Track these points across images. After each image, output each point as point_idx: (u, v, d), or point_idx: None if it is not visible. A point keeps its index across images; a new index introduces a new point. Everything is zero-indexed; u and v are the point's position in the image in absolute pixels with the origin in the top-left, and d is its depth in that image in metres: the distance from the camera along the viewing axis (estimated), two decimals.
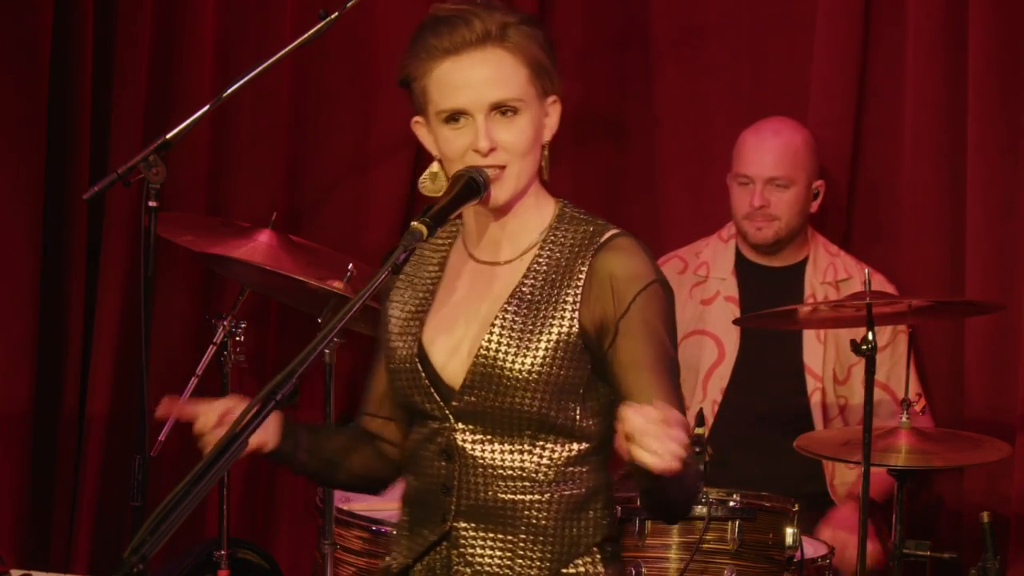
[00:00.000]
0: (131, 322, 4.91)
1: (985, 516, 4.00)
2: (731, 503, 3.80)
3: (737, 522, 3.78)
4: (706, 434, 3.96)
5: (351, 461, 2.89)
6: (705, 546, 3.77)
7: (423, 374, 2.74)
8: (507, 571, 2.70)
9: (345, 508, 4.05)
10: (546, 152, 2.75)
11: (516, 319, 2.70)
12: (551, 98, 2.75)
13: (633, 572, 3.74)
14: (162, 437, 4.42)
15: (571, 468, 2.71)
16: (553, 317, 2.69)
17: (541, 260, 2.73)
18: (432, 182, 2.76)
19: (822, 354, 4.58)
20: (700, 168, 4.96)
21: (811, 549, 3.95)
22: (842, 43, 4.86)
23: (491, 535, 2.71)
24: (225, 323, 4.42)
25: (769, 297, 4.55)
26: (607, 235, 2.73)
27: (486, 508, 2.71)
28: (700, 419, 3.89)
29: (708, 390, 4.59)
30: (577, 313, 2.69)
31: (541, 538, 2.70)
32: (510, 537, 2.70)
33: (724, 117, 5.05)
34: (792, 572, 3.84)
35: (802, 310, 4.26)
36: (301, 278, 4.19)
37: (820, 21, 4.88)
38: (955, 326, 4.73)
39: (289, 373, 2.37)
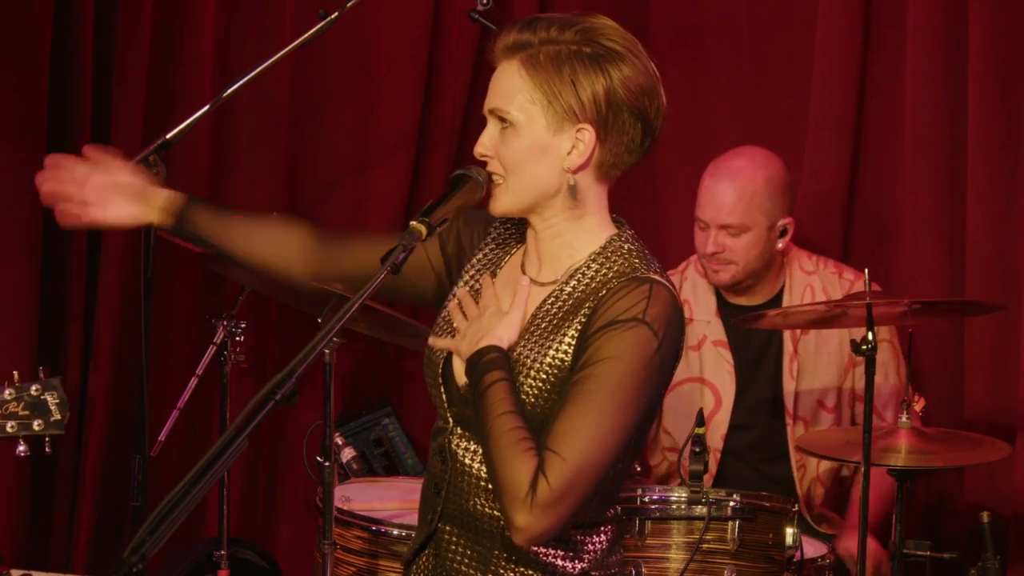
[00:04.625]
0: (131, 322, 4.91)
1: (985, 516, 4.00)
2: (731, 503, 3.79)
3: (737, 522, 3.78)
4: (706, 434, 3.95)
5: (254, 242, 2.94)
6: (705, 546, 3.77)
7: (439, 369, 2.75)
8: None
9: (345, 508, 4.05)
10: (571, 181, 2.66)
11: (523, 343, 2.68)
12: (579, 126, 2.65)
13: (633, 572, 3.74)
14: (162, 437, 4.42)
15: None
16: (551, 348, 2.65)
17: (567, 289, 2.69)
18: None
19: (793, 389, 4.47)
20: (700, 168, 4.93)
21: (811, 549, 3.95)
22: (842, 43, 4.86)
23: (469, 544, 2.71)
24: (225, 323, 4.42)
25: (755, 338, 4.47)
26: (634, 274, 2.65)
27: (468, 517, 2.71)
28: (700, 419, 3.89)
29: (709, 438, 4.42)
30: (574, 347, 2.63)
31: (515, 557, 2.68)
32: (485, 551, 2.70)
33: (724, 117, 5.05)
34: (792, 572, 3.84)
35: (801, 311, 4.23)
36: None
37: (820, 21, 4.88)
38: (955, 326, 4.73)
39: (289, 372, 2.37)
